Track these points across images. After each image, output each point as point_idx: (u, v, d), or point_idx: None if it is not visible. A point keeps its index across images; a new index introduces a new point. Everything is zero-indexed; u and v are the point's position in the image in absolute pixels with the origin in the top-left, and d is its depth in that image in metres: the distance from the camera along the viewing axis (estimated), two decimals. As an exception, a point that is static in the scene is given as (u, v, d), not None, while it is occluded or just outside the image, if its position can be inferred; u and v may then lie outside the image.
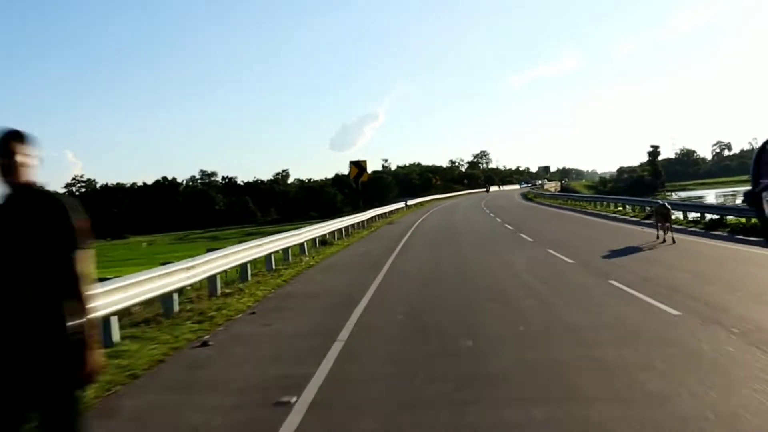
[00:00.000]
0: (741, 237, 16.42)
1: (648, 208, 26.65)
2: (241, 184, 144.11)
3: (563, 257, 14.32)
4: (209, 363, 6.58)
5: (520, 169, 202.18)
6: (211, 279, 10.90)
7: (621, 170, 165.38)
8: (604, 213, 31.85)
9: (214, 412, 4.90)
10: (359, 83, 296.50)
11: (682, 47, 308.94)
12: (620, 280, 10.47)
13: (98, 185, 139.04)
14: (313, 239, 20.85)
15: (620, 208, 32.09)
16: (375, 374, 5.80)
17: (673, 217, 17.72)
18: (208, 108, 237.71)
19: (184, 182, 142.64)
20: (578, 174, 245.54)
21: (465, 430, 4.28)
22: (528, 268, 12.88)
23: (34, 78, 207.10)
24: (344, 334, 7.49)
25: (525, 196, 73.25)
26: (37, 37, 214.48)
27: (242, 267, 12.90)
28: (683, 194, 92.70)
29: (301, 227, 21.93)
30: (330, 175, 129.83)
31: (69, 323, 2.65)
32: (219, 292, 10.99)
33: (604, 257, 14.12)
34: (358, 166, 34.39)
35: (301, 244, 18.72)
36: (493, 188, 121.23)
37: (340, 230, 25.53)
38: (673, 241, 15.96)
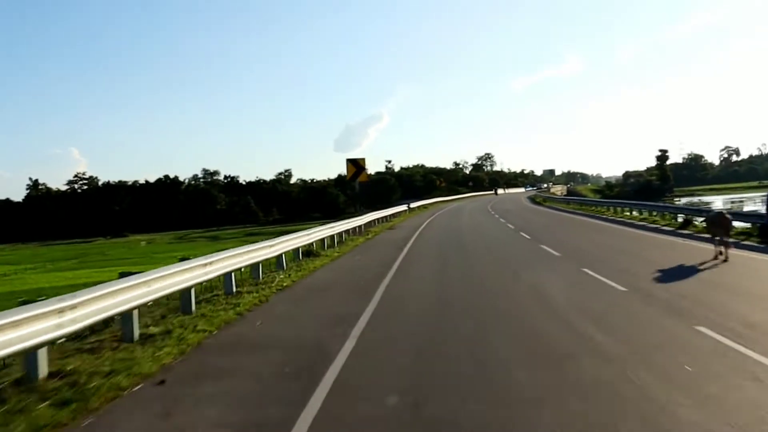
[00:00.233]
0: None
1: (682, 217, 23.35)
2: (244, 183, 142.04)
3: (607, 280, 11.06)
4: None
5: (525, 172, 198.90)
6: (126, 318, 7.62)
7: (627, 174, 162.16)
8: (628, 220, 28.39)
9: None
10: (363, 84, 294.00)
11: (689, 50, 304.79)
12: (713, 325, 7.21)
13: (100, 183, 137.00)
14: (296, 249, 17.61)
15: (644, 215, 28.80)
16: None
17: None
18: (213, 108, 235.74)
19: (187, 181, 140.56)
20: (583, 178, 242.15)
21: None
22: (567, 299, 9.57)
23: (37, 77, 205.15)
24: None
25: (533, 200, 69.92)
26: (38, 38, 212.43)
27: (184, 295, 9.54)
28: (695, 199, 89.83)
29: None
30: (333, 176, 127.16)
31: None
32: (136, 335, 7.70)
33: (660, 281, 10.86)
34: (356, 164, 30.26)
35: (279, 257, 15.47)
36: (499, 191, 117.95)
37: (332, 237, 22.18)
38: (726, 259, 12.79)
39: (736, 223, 16.67)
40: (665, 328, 7.41)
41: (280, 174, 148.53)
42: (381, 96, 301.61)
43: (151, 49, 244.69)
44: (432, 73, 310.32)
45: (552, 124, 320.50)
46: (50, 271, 60.54)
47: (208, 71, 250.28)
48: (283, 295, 11.64)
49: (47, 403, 5.21)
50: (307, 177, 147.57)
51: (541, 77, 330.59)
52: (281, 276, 13.77)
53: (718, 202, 76.10)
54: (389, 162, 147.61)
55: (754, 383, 5.23)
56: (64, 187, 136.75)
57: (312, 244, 19.38)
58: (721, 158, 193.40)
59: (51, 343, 6.21)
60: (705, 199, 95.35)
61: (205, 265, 10.05)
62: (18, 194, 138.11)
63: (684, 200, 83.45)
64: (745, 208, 45.75)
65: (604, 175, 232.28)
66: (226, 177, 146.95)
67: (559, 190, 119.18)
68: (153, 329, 8.16)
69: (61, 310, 6.01)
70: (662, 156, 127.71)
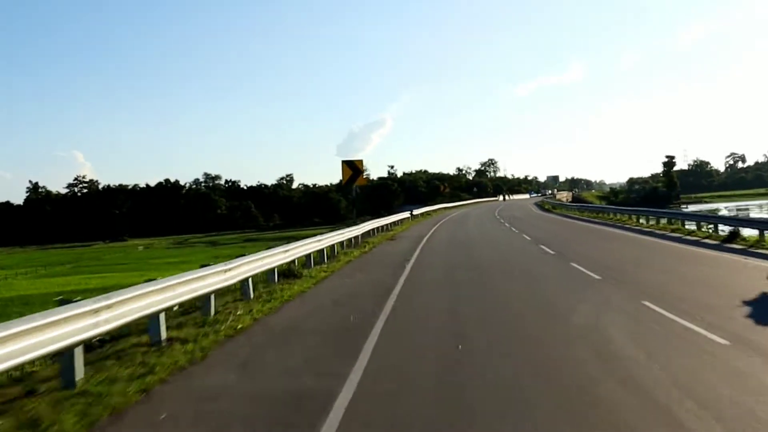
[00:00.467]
0: None
1: (726, 230, 21.31)
2: (245, 188, 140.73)
3: (688, 324, 8.12)
4: None
5: (528, 178, 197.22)
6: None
7: (632, 181, 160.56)
8: (658, 231, 26.26)
9: None
10: (367, 90, 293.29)
11: (692, 58, 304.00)
12: None
13: (101, 186, 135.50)
14: (271, 269, 13.64)
15: (676, 226, 26.81)
16: None
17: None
18: (216, 112, 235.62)
19: (188, 185, 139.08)
20: (587, 184, 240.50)
21: None
22: (640, 354, 6.82)
23: (40, 79, 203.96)
24: None
25: (542, 207, 67.97)
26: (42, 41, 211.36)
27: (66, 355, 6.01)
28: (704, 207, 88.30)
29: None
30: (335, 181, 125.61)
31: None
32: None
33: (761, 323, 8.09)
34: (352, 166, 27.00)
35: (244, 282, 11.61)
36: (505, 197, 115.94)
37: (321, 251, 18.57)
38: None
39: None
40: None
41: (282, 179, 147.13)
42: (384, 101, 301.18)
43: (155, 53, 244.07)
44: (436, 79, 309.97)
45: (555, 130, 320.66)
46: (42, 276, 58.66)
47: (212, 75, 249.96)
48: (229, 348, 8.14)
49: None
50: (310, 182, 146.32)
51: (545, 84, 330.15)
52: (240, 311, 10.23)
53: (725, 209, 74.17)
54: (392, 167, 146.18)
55: None
56: (64, 191, 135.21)
57: (294, 261, 15.68)
58: (727, 165, 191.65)
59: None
60: (713, 206, 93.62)
61: (102, 309, 6.49)
62: (18, 197, 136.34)
63: (692, 207, 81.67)
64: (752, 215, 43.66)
65: (607, 182, 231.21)
66: (227, 181, 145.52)
67: (564, 196, 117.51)
68: None
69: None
70: (669, 162, 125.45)
